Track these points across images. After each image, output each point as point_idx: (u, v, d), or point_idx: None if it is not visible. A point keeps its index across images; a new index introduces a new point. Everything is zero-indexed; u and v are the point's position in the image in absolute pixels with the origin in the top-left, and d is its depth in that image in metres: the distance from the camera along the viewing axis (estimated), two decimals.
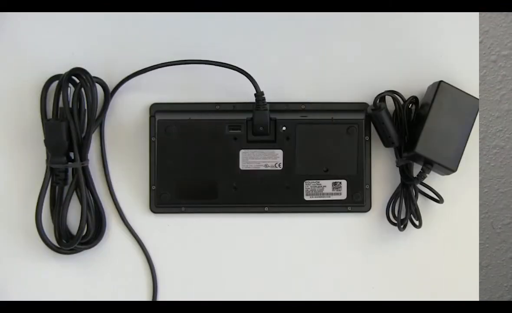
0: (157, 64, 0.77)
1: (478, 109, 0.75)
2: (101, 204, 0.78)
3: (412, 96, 0.77)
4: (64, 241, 0.76)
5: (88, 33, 0.79)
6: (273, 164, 0.77)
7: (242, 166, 0.77)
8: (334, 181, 0.78)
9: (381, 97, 0.76)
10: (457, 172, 0.75)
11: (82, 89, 0.75)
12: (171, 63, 0.77)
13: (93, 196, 0.77)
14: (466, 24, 0.79)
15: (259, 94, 0.76)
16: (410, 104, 0.78)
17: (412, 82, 0.79)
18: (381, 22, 0.79)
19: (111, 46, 0.79)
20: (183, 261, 0.79)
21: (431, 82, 0.77)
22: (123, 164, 0.79)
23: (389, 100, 0.77)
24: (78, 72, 0.74)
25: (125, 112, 0.79)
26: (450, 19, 0.79)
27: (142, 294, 0.79)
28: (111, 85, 0.78)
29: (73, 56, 0.78)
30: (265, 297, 0.79)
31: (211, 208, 0.78)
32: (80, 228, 0.76)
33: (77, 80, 0.75)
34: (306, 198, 0.78)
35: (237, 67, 0.76)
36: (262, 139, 0.77)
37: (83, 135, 0.76)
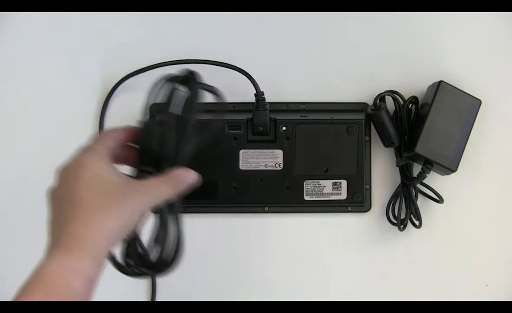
0: (157, 64, 0.77)
1: (478, 109, 0.75)
2: None
3: (412, 96, 0.77)
4: None
5: (88, 33, 0.79)
6: (273, 164, 0.77)
7: (242, 165, 0.77)
8: (334, 181, 0.78)
9: (381, 97, 0.76)
10: (457, 172, 0.75)
11: None
12: (171, 63, 0.77)
13: None
14: (466, 24, 0.79)
15: (259, 94, 0.76)
16: (410, 104, 0.77)
17: (412, 82, 0.78)
18: (381, 22, 0.79)
19: (111, 46, 0.79)
20: (182, 261, 0.79)
21: (431, 82, 0.77)
22: None
23: (389, 100, 0.77)
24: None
25: (125, 112, 0.79)
26: (450, 19, 0.79)
27: (141, 294, 0.79)
28: (110, 85, 0.78)
29: (75, 56, 0.78)
30: (264, 297, 0.79)
31: (211, 208, 0.78)
32: None
33: None
34: (306, 198, 0.78)
35: (237, 67, 0.76)
36: (262, 139, 0.77)
37: None
